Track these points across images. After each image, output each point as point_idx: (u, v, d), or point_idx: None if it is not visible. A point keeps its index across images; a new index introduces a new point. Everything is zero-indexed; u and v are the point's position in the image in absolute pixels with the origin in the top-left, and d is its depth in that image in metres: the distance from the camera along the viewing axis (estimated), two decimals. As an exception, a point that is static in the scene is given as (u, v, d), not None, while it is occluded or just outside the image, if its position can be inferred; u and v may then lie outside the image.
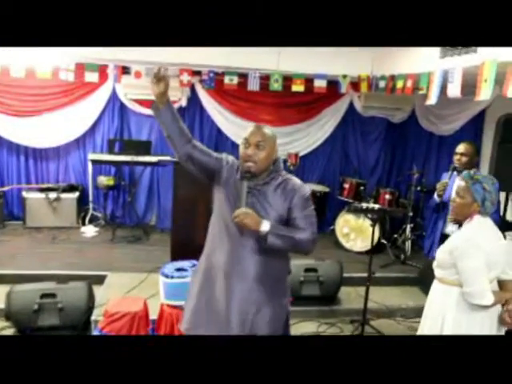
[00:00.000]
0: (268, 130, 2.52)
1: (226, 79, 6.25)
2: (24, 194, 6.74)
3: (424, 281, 5.41)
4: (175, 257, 4.43)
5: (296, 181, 2.54)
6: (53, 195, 6.69)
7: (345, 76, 6.29)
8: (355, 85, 6.48)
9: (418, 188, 6.36)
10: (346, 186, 6.79)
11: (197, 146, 2.47)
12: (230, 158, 2.61)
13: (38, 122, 6.74)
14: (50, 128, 6.75)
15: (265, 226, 2.35)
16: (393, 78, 5.62)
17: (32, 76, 6.16)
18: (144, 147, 6.60)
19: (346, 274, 5.11)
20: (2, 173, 7.06)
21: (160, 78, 2.26)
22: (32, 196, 6.73)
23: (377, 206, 4.50)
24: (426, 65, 4.91)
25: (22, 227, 6.72)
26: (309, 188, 2.58)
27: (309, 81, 6.27)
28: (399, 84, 5.41)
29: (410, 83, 5.19)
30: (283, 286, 2.62)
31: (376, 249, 5.57)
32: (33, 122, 6.71)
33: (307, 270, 4.89)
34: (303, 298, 4.83)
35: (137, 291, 4.81)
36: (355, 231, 6.37)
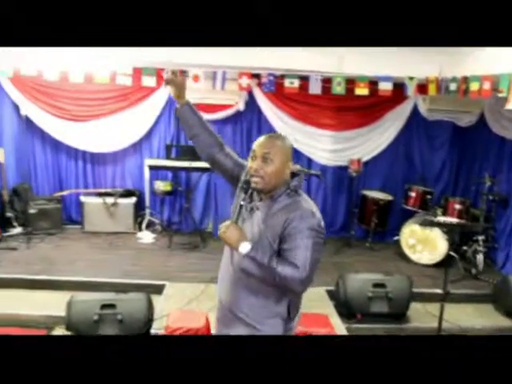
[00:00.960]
0: (281, 140, 2.20)
1: (287, 82, 6.03)
2: (82, 198, 6.75)
3: (499, 298, 5.07)
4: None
5: (307, 206, 2.14)
6: (110, 200, 6.66)
7: (411, 78, 5.96)
8: (422, 87, 6.14)
9: (490, 197, 5.95)
10: (412, 194, 6.45)
11: (225, 149, 2.40)
12: None
13: (96, 127, 6.73)
14: (108, 133, 6.73)
15: (244, 247, 2.04)
16: (465, 79, 5.26)
17: (90, 81, 6.16)
18: (202, 153, 6.46)
19: (414, 290, 4.81)
20: (61, 177, 7.11)
21: (168, 81, 2.26)
22: (90, 201, 6.72)
23: (455, 221, 4.18)
24: (505, 65, 4.56)
25: (80, 231, 6.73)
26: (319, 217, 2.14)
27: (373, 83, 5.98)
28: (474, 86, 5.06)
29: (487, 85, 4.83)
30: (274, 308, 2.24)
31: (444, 262, 5.23)
32: (91, 126, 6.72)
33: (375, 285, 4.62)
34: (371, 315, 4.56)
35: (196, 303, 4.67)
36: (422, 242, 6.04)
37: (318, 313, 4.29)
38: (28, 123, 6.68)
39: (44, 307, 4.54)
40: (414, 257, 6.09)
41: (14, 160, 6.78)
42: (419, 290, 5.05)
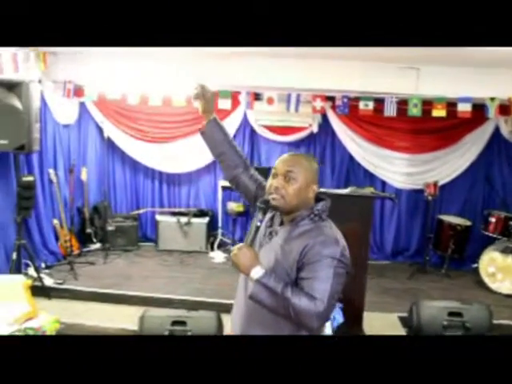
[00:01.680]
0: (307, 159, 2.06)
1: (361, 104, 5.97)
2: (157, 217, 6.96)
3: None
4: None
5: (331, 232, 1.94)
6: (184, 219, 6.81)
7: (493, 99, 5.72)
8: (504, 108, 5.87)
9: None
10: (493, 219, 6.14)
11: (249, 170, 2.31)
12: None
13: (172, 149, 6.96)
14: (183, 154, 6.94)
15: (256, 272, 1.83)
16: (551, 100, 5.01)
17: (168, 104, 6.38)
18: (275, 174, 6.48)
19: (495, 321, 4.55)
20: (138, 196, 7.38)
21: (198, 96, 2.25)
22: (164, 219, 6.91)
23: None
24: None
25: (154, 249, 6.93)
26: (344, 245, 1.92)
27: (451, 104, 5.79)
28: (561, 107, 4.80)
29: None
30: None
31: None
32: (167, 148, 6.95)
33: (451, 313, 4.41)
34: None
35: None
36: (503, 271, 5.73)
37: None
38: (109, 144, 7.00)
39: (118, 320, 4.67)
40: (493, 286, 5.78)
41: (96, 179, 7.14)
42: (499, 321, 4.78)
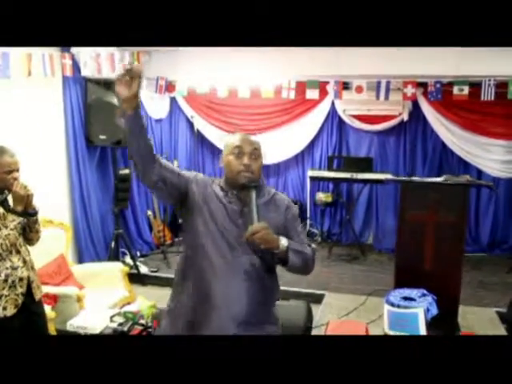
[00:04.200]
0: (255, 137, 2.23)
1: (455, 90, 5.70)
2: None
3: None
4: (400, 283, 4.10)
5: (285, 195, 2.27)
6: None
7: None
8: None
9: None
10: None
11: (163, 163, 2.03)
12: (197, 173, 2.23)
13: (262, 140, 6.99)
14: (272, 145, 6.98)
15: (283, 241, 1.97)
16: None
17: (256, 96, 6.44)
18: (365, 164, 6.39)
19: None
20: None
21: (134, 75, 1.78)
22: (253, 210, 7.00)
23: None
24: None
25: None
26: None
27: (556, 86, 5.41)
28: None
29: None
30: (271, 311, 2.15)
31: None
32: (257, 139, 7.01)
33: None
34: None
35: (355, 315, 4.60)
36: None
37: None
38: (199, 137, 7.19)
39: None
40: None
41: (187, 171, 7.35)
42: None
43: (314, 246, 2.19)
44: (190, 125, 7.21)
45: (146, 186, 2.08)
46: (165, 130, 7.05)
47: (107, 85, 5.22)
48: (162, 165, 2.02)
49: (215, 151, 7.38)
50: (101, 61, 5.09)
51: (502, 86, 5.57)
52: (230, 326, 1.96)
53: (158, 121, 6.81)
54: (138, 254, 6.13)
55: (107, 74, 5.13)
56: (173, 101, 7.08)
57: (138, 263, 5.55)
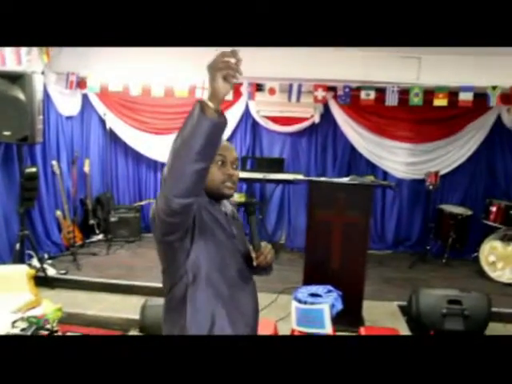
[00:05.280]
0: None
1: (363, 94, 5.98)
2: (160, 208, 6.99)
3: None
4: (308, 280, 4.24)
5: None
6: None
7: (494, 87, 5.72)
8: (506, 97, 5.87)
9: None
10: (493, 209, 6.16)
11: None
12: None
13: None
14: (186, 145, 6.94)
15: None
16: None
17: (170, 95, 6.38)
18: (277, 164, 6.51)
19: (494, 309, 4.58)
20: (141, 187, 7.44)
21: (238, 70, 1.55)
22: (167, 210, 6.94)
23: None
24: None
25: (157, 240, 6.96)
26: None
27: (452, 94, 5.80)
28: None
29: None
30: None
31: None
32: (169, 139, 6.92)
33: (451, 301, 4.44)
34: (445, 332, 4.39)
35: (266, 312, 4.69)
36: (503, 260, 5.75)
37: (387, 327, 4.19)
38: (112, 136, 7.03)
39: (120, 310, 4.72)
40: (494, 275, 5.80)
41: (99, 170, 7.20)
42: (499, 309, 4.81)
43: None
44: (103, 123, 7.02)
45: (165, 213, 1.69)
46: (76, 128, 6.82)
47: (12, 78, 4.95)
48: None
49: (128, 150, 7.25)
50: (5, 53, 4.86)
51: (404, 92, 5.90)
52: (248, 331, 1.91)
53: (69, 118, 6.58)
54: (46, 256, 5.88)
55: (12, 66, 4.90)
56: (85, 97, 6.87)
57: (45, 265, 5.32)
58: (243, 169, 6.63)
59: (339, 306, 3.68)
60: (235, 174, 1.94)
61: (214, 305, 1.83)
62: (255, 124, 7.04)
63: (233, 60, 1.54)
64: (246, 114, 6.92)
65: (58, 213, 6.24)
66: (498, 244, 5.81)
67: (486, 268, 5.89)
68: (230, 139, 7.00)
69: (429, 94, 5.85)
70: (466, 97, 5.73)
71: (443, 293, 4.56)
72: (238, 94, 6.45)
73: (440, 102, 5.81)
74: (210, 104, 1.54)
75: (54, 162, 6.09)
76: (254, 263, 1.94)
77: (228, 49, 1.56)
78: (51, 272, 5.40)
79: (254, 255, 1.94)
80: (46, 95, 5.80)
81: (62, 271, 5.50)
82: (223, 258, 1.89)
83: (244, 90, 6.29)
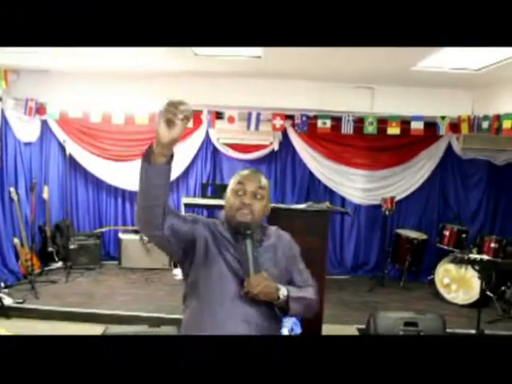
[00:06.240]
0: (265, 177, 2.09)
1: (319, 123, 6.15)
2: (120, 235, 6.97)
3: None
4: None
5: (287, 234, 2.16)
6: (147, 237, 6.82)
7: (443, 117, 5.99)
8: (455, 126, 6.14)
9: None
10: (447, 233, 6.39)
11: (173, 211, 1.90)
12: (198, 216, 2.13)
13: (135, 167, 6.94)
14: (147, 172, 6.95)
15: (283, 291, 1.90)
16: (498, 117, 5.27)
17: (130, 122, 6.42)
18: (236, 191, 6.57)
19: (448, 330, 4.72)
20: (101, 214, 7.37)
21: (188, 115, 1.65)
22: (127, 237, 6.92)
23: (486, 258, 4.14)
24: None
25: (117, 267, 6.91)
26: None
27: (405, 123, 6.03)
28: (507, 124, 5.05)
29: (520, 123, 4.84)
30: None
31: (481, 302, 5.12)
32: (130, 166, 6.95)
33: (407, 323, 4.55)
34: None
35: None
36: (457, 282, 5.94)
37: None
38: (71, 162, 6.99)
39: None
40: (448, 296, 5.99)
41: (58, 197, 7.12)
42: (453, 330, 4.95)
43: (315, 286, 2.13)
44: (63, 149, 6.97)
45: (152, 239, 1.89)
46: (35, 154, 6.75)
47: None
48: (173, 213, 1.87)
49: (88, 177, 7.21)
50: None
51: (359, 121, 6.10)
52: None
53: (28, 144, 6.51)
54: (3, 284, 5.75)
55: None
56: (44, 124, 6.83)
57: (1, 294, 5.22)
58: (203, 195, 6.69)
59: (298, 330, 3.73)
60: (253, 203, 1.95)
61: (199, 321, 1.90)
62: (215, 151, 7.12)
63: (181, 107, 1.63)
64: (207, 141, 7.01)
65: (16, 240, 6.13)
66: (451, 267, 5.99)
67: (442, 290, 6.06)
68: (190, 166, 7.06)
69: (382, 122, 6.06)
70: (417, 126, 5.97)
71: (399, 315, 4.66)
72: (198, 122, 6.52)
73: (393, 130, 6.03)
74: (154, 149, 1.66)
75: (12, 189, 6.01)
76: (242, 291, 1.87)
77: (177, 98, 1.67)
78: (8, 301, 5.28)
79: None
80: (4, 121, 5.77)
81: (19, 300, 5.39)
82: (220, 289, 1.90)
83: (204, 117, 6.38)
